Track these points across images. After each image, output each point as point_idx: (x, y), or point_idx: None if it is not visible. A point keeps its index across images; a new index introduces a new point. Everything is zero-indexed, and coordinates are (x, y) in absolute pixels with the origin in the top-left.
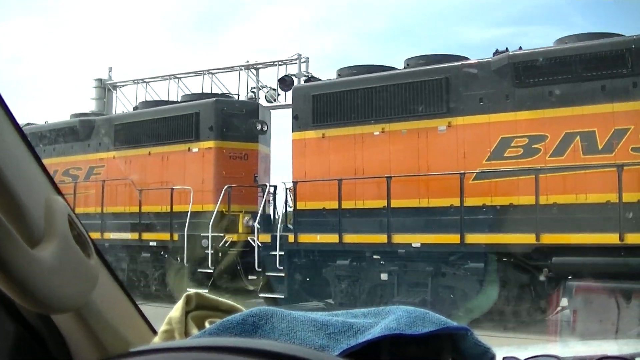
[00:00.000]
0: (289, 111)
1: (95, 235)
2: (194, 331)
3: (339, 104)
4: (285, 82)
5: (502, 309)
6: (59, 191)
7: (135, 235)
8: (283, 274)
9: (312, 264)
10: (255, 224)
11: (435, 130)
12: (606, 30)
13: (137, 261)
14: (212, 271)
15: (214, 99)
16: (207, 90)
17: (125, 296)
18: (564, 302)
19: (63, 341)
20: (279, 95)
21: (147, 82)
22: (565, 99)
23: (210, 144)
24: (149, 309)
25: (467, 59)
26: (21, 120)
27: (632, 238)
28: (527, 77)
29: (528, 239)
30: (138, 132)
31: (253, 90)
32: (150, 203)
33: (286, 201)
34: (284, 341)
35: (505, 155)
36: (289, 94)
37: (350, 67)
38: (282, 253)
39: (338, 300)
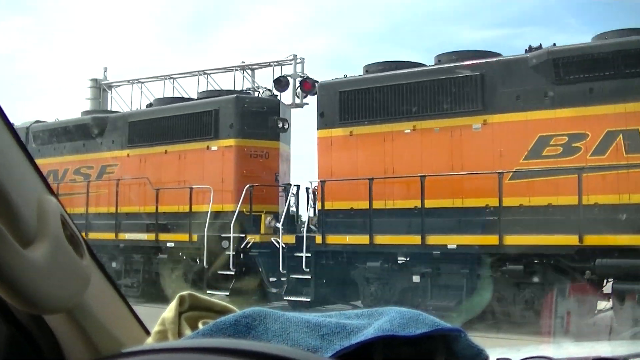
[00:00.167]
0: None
1: (110, 235)
2: (187, 332)
3: (367, 100)
4: (280, 83)
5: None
6: (51, 191)
7: (151, 236)
8: (309, 276)
9: (339, 265)
10: (280, 224)
11: (470, 128)
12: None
13: (152, 262)
14: (233, 273)
15: (235, 95)
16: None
17: (119, 297)
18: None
19: (55, 341)
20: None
21: (142, 82)
22: (607, 96)
23: (230, 142)
24: (159, 311)
25: (499, 55)
26: (16, 120)
27: None
28: (568, 74)
29: (571, 240)
30: (154, 129)
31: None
32: (167, 203)
33: (308, 201)
34: (277, 342)
35: (543, 154)
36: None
37: (378, 63)
38: (309, 255)
39: (367, 303)
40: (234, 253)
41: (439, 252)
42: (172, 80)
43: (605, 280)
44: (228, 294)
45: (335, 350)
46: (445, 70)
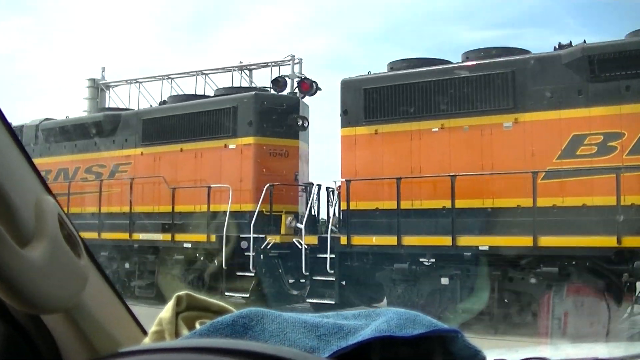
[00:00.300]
0: None
1: (123, 235)
2: (185, 332)
3: (393, 98)
4: (278, 84)
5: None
6: (49, 191)
7: (167, 236)
8: (333, 278)
9: (364, 267)
10: (303, 225)
11: (501, 127)
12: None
13: (167, 263)
14: (253, 274)
15: (254, 92)
16: (199, 91)
17: (116, 297)
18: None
19: (53, 341)
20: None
21: (140, 82)
22: None
23: (249, 139)
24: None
25: (528, 52)
26: (14, 120)
27: None
28: (603, 71)
29: (609, 242)
30: (169, 127)
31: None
32: (183, 202)
33: (329, 201)
34: (274, 342)
35: (577, 153)
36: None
37: (403, 60)
38: (333, 256)
39: (393, 306)
40: (253, 254)
41: (470, 254)
42: (170, 80)
43: None
44: (247, 295)
45: (333, 351)
46: (474, 67)
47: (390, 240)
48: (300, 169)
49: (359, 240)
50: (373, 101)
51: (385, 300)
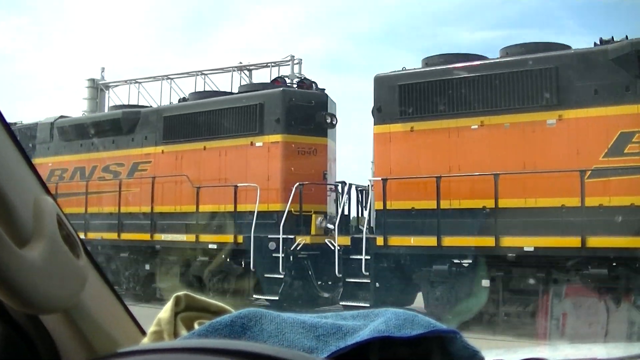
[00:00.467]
0: None
1: (145, 236)
2: (183, 332)
3: (430, 94)
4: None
5: (631, 319)
6: (48, 191)
7: (191, 237)
8: (367, 280)
9: (401, 269)
10: (335, 225)
11: (544, 124)
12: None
13: (190, 265)
14: (282, 276)
15: (281, 89)
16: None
17: (115, 297)
18: None
19: (52, 341)
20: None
21: (140, 83)
22: None
23: (277, 137)
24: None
25: (568, 47)
26: (10, 119)
27: None
28: None
29: None
30: (191, 124)
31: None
32: (207, 202)
33: (358, 200)
34: (273, 343)
35: (625, 151)
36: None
37: (438, 56)
38: (368, 257)
39: (431, 309)
40: (283, 255)
41: (514, 255)
42: (169, 80)
43: None
44: (277, 298)
45: (331, 351)
46: (515, 62)
47: (430, 241)
48: (328, 167)
49: (396, 241)
50: (408, 98)
51: (414, 302)
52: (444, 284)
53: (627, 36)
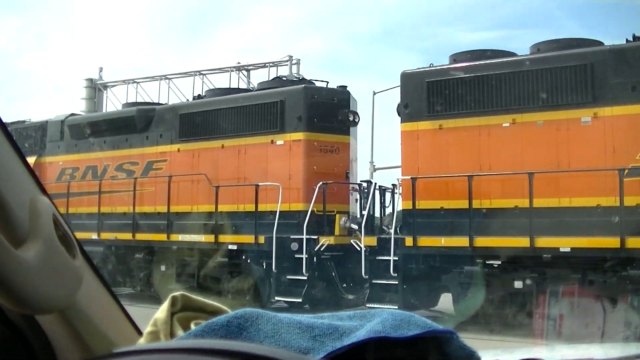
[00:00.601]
0: None
1: (161, 237)
2: (180, 332)
3: (460, 91)
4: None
5: None
6: (44, 191)
7: (210, 238)
8: (395, 282)
9: (430, 270)
10: (362, 225)
11: (578, 122)
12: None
13: (208, 266)
14: (305, 278)
15: (303, 85)
16: (197, 91)
17: (111, 297)
18: None
19: (47, 342)
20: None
21: (138, 83)
22: None
23: (298, 135)
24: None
25: (601, 43)
26: (8, 119)
27: None
28: None
29: None
30: (209, 122)
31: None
32: (225, 202)
33: (382, 200)
34: (269, 343)
35: None
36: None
37: (467, 52)
38: (396, 258)
39: (461, 311)
40: (306, 256)
41: (549, 256)
42: (167, 80)
43: None
44: (300, 300)
45: (327, 352)
46: (547, 59)
47: (462, 241)
48: (350, 166)
49: (426, 241)
50: (437, 95)
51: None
52: (475, 285)
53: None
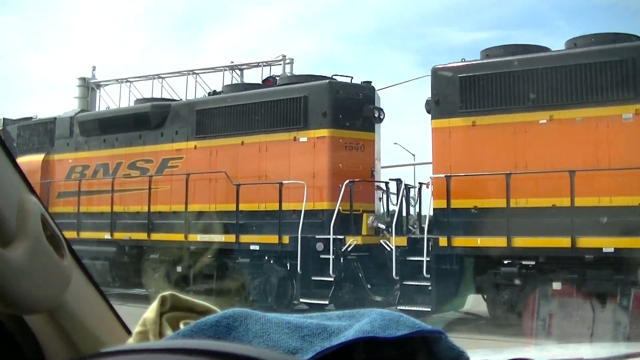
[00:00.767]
0: None
1: (178, 237)
2: (169, 332)
3: (494, 87)
4: None
5: None
6: (32, 191)
7: (230, 238)
8: (427, 283)
9: (464, 271)
10: (393, 226)
11: (619, 119)
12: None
13: (228, 267)
14: (332, 279)
15: (327, 80)
16: (190, 90)
17: (100, 297)
18: None
19: (36, 341)
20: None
21: (131, 82)
22: None
23: (323, 132)
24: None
25: (638, 38)
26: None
27: None
28: None
29: None
30: (228, 118)
31: None
32: (245, 200)
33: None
34: (258, 343)
35: None
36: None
37: (500, 47)
38: (428, 259)
39: (495, 312)
40: (333, 257)
41: (592, 257)
42: (160, 79)
43: None
44: (327, 302)
45: (316, 352)
46: (585, 54)
47: (499, 241)
48: (375, 164)
49: (460, 241)
50: (470, 91)
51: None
52: (512, 287)
53: None
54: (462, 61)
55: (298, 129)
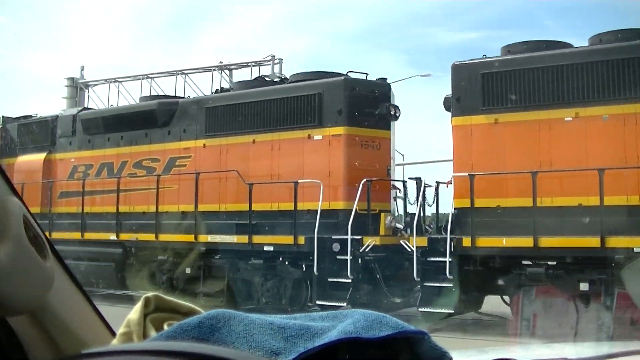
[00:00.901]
0: None
1: (188, 237)
2: (153, 333)
3: (517, 84)
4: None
5: None
6: (15, 192)
7: (243, 238)
8: (450, 284)
9: (488, 272)
10: (414, 226)
11: None
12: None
13: (239, 268)
14: (350, 280)
15: (343, 77)
16: (179, 90)
17: (84, 298)
18: None
19: (18, 342)
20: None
21: (120, 82)
22: None
23: (339, 130)
24: None
25: None
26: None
27: None
28: None
29: None
30: (239, 116)
31: None
32: (257, 200)
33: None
34: (241, 344)
35: None
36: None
37: (521, 43)
38: (451, 260)
39: (520, 315)
40: (351, 258)
41: (622, 256)
42: (149, 80)
43: None
44: (345, 304)
45: (299, 352)
46: (612, 50)
47: (525, 241)
48: (390, 163)
49: (485, 241)
50: (492, 87)
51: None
52: (538, 287)
53: None
54: (483, 57)
55: (312, 127)
